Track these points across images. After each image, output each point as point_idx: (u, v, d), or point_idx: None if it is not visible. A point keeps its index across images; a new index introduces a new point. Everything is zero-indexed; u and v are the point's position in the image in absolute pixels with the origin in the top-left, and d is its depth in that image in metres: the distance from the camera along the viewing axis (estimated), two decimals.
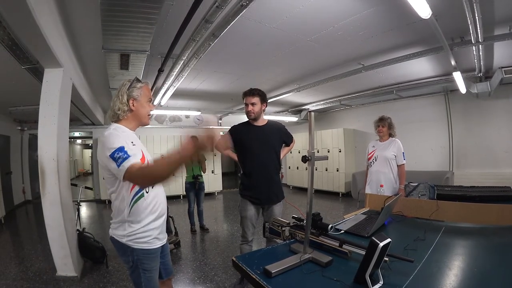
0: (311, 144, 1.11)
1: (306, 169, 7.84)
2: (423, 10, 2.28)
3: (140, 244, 1.38)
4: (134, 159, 1.24)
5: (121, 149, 1.24)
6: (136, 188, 1.35)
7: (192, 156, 1.14)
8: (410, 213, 2.03)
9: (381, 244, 0.96)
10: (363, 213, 2.15)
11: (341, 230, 1.68)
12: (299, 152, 8.91)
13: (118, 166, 1.23)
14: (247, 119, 2.53)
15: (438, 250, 1.33)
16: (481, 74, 4.57)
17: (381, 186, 2.76)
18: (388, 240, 0.99)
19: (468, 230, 1.71)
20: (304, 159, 1.10)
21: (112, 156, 1.24)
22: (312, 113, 1.10)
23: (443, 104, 6.17)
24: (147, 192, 1.40)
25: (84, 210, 6.78)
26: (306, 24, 2.98)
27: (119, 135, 1.31)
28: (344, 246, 1.29)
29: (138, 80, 1.48)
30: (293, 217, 1.52)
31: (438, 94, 6.20)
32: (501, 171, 5.33)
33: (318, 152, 8.38)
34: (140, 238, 1.38)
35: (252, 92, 2.42)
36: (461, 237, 1.60)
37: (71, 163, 14.90)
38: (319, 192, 8.27)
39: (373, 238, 0.98)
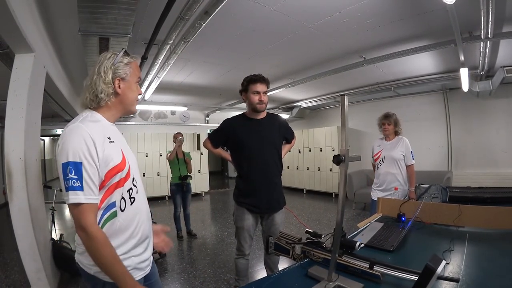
0: (344, 140, 0.82)
1: (298, 168, 7.50)
2: None
3: None
4: (86, 198, 0.90)
5: (76, 166, 0.90)
6: (106, 202, 0.98)
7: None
8: (429, 218, 1.84)
9: (439, 270, 0.81)
10: (378, 221, 1.91)
11: (360, 243, 1.40)
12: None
13: (66, 189, 0.91)
14: (242, 112, 2.19)
15: (471, 262, 1.21)
16: (483, 72, 4.43)
17: (396, 189, 2.52)
18: (444, 263, 0.85)
19: (492, 236, 1.60)
20: (337, 159, 0.81)
21: (63, 169, 0.90)
22: (346, 97, 0.81)
23: (442, 102, 6.01)
24: (122, 210, 1.02)
25: (64, 213, 6.29)
26: (311, 8, 2.68)
27: (85, 134, 0.93)
28: (375, 267, 1.05)
29: (126, 53, 1.08)
30: (307, 232, 1.23)
31: (437, 92, 6.05)
32: (500, 171, 5.24)
33: (310, 151, 8.16)
34: None
35: (264, 79, 2.04)
36: (489, 245, 1.47)
37: (55, 162, 14.22)
38: (310, 193, 8.09)
39: (429, 263, 0.81)
